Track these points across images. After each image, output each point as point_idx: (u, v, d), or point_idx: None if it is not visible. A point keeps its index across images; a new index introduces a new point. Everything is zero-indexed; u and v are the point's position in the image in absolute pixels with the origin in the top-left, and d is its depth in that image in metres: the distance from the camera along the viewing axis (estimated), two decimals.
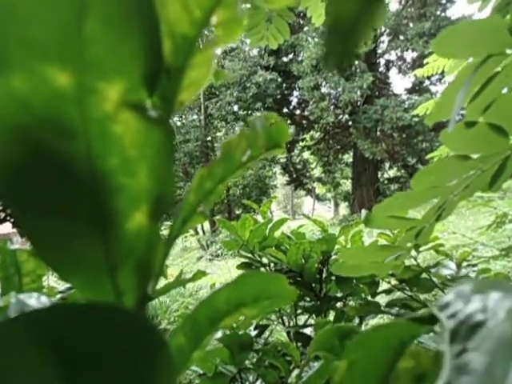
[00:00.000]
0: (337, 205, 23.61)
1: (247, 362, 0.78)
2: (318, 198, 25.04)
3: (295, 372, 0.42)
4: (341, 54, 0.14)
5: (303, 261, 1.01)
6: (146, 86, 0.14)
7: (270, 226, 1.07)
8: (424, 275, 0.84)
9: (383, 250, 0.51)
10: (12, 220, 2.52)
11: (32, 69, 0.13)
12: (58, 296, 0.38)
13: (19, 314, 0.10)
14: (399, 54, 14.19)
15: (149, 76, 0.14)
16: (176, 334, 0.18)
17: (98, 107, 0.13)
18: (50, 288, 0.35)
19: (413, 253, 0.64)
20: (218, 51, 0.17)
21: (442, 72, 2.21)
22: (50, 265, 0.14)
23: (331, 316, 1.03)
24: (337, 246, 1.01)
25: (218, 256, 9.87)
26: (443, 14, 12.43)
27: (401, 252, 0.50)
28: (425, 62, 2.21)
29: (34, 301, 0.19)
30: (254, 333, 0.95)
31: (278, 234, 1.11)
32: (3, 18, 0.12)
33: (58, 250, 0.14)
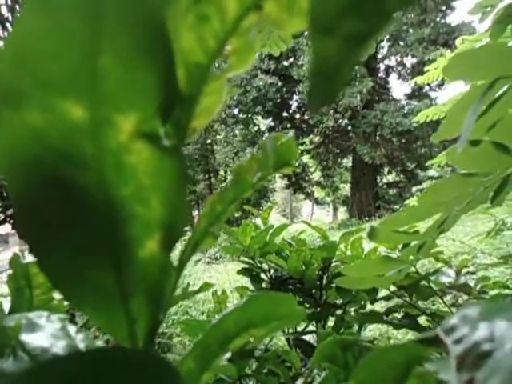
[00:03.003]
0: (335, 209, 23.64)
1: (247, 368, 0.78)
2: (316, 201, 25.05)
3: (300, 381, 0.42)
4: (324, 96, 0.14)
5: (304, 267, 1.01)
6: (160, 116, 0.14)
7: (270, 232, 1.07)
8: (423, 282, 0.84)
9: (387, 263, 0.51)
10: (11, 221, 2.52)
11: (47, 103, 0.13)
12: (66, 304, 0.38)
13: (46, 362, 0.10)
14: (399, 59, 14.25)
15: (163, 106, 0.14)
16: (186, 359, 0.18)
17: (113, 139, 0.13)
18: (59, 300, 0.35)
19: None
20: None
21: (443, 78, 2.22)
22: (63, 294, 0.14)
23: (330, 322, 1.03)
24: (337, 253, 1.01)
25: (216, 259, 9.83)
26: (443, 21, 12.50)
27: (404, 266, 0.51)
28: (425, 69, 2.22)
29: (44, 320, 0.19)
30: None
31: (278, 239, 1.11)
32: (19, 54, 0.12)
33: (71, 280, 0.14)
